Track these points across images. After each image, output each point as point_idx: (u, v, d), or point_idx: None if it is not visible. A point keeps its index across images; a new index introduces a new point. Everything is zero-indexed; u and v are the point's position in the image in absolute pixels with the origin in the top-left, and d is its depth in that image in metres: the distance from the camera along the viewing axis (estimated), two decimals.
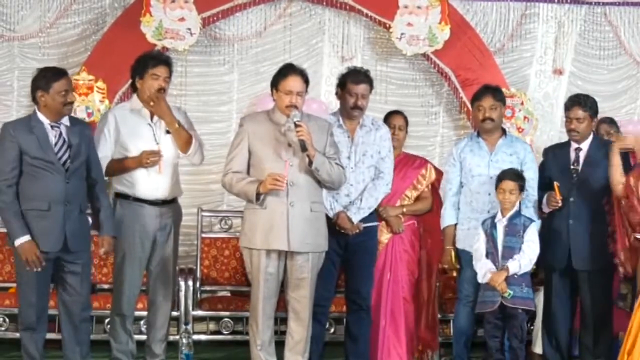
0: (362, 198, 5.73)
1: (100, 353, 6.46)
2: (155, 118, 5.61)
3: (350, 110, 5.76)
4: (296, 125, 5.21)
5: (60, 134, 5.25)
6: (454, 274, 6.05)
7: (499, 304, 5.62)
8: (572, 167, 5.88)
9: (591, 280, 5.82)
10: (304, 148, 5.21)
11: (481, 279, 5.68)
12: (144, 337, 5.94)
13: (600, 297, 5.84)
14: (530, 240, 5.64)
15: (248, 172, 5.39)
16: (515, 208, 5.71)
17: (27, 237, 5.15)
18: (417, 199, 6.21)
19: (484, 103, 5.89)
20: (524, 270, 5.60)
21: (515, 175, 5.69)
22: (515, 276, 5.59)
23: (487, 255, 5.68)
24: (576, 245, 5.80)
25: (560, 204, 5.75)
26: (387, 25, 7.60)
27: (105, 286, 6.99)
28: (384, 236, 6.11)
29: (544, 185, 5.89)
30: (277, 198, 5.28)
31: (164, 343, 5.81)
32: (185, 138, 5.59)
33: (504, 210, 5.70)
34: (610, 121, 6.85)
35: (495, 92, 5.95)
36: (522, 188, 5.70)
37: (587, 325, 5.91)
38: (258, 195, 5.26)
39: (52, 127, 5.25)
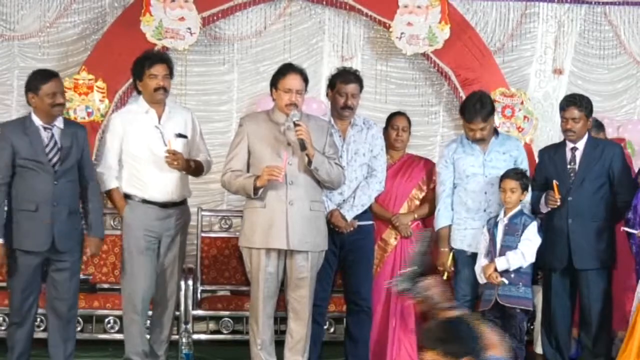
0: (355, 196, 5.74)
1: (100, 353, 6.48)
2: (163, 119, 5.64)
3: (340, 110, 5.77)
4: (295, 125, 5.22)
5: (52, 135, 5.31)
6: (445, 276, 6.02)
7: (494, 302, 5.61)
8: (569, 166, 5.88)
9: (591, 279, 5.82)
10: (303, 147, 5.21)
11: (479, 279, 5.69)
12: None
13: (600, 296, 5.84)
14: (526, 239, 5.61)
15: (248, 172, 5.39)
16: (519, 207, 5.70)
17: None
18: (423, 200, 6.20)
19: (474, 126, 5.81)
20: (515, 266, 5.57)
21: (517, 174, 5.69)
22: (512, 275, 5.58)
23: (487, 254, 5.68)
24: (576, 244, 5.80)
25: (559, 203, 5.75)
26: (387, 25, 7.60)
27: (105, 286, 7.00)
28: (393, 238, 6.11)
29: (541, 186, 5.89)
30: (276, 197, 5.29)
31: (167, 344, 5.80)
32: (200, 171, 5.72)
33: (507, 210, 5.70)
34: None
35: (482, 111, 5.77)
36: (525, 187, 5.69)
37: (587, 324, 5.90)
38: (256, 190, 5.26)
39: (45, 128, 5.31)
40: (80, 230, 5.48)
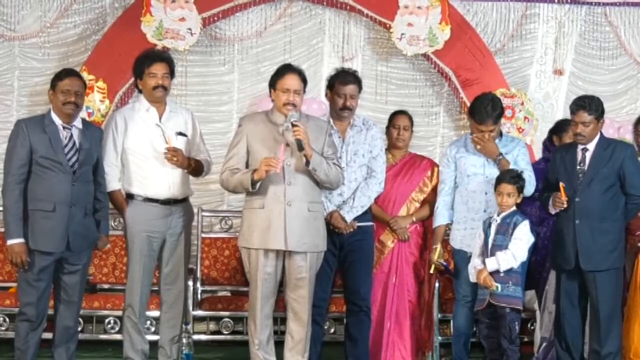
0: (354, 197, 5.74)
1: (100, 353, 6.48)
2: (164, 118, 5.66)
3: (339, 111, 5.77)
4: (293, 125, 5.22)
5: (71, 136, 5.32)
6: (432, 269, 5.99)
7: (487, 302, 5.60)
8: (578, 167, 5.83)
9: (599, 280, 5.74)
10: (300, 148, 5.21)
11: (471, 278, 5.69)
12: (155, 337, 5.92)
13: (608, 297, 5.76)
14: (517, 238, 5.58)
15: None
16: (513, 208, 5.70)
17: (20, 240, 5.20)
18: (423, 201, 6.19)
19: (484, 128, 5.81)
20: (505, 267, 5.55)
21: (513, 178, 5.68)
22: (501, 274, 5.56)
23: (481, 254, 5.66)
24: (583, 245, 5.72)
25: (565, 205, 5.71)
26: (388, 26, 7.61)
27: (105, 286, 7.01)
28: (390, 241, 6.11)
29: (551, 186, 5.87)
30: (274, 198, 5.29)
31: (177, 344, 5.78)
32: (200, 170, 5.72)
33: (501, 211, 5.69)
34: None
35: (493, 114, 5.79)
36: (520, 190, 5.68)
37: (595, 325, 5.84)
38: (254, 183, 5.26)
39: (64, 128, 5.31)
40: (92, 231, 5.46)
